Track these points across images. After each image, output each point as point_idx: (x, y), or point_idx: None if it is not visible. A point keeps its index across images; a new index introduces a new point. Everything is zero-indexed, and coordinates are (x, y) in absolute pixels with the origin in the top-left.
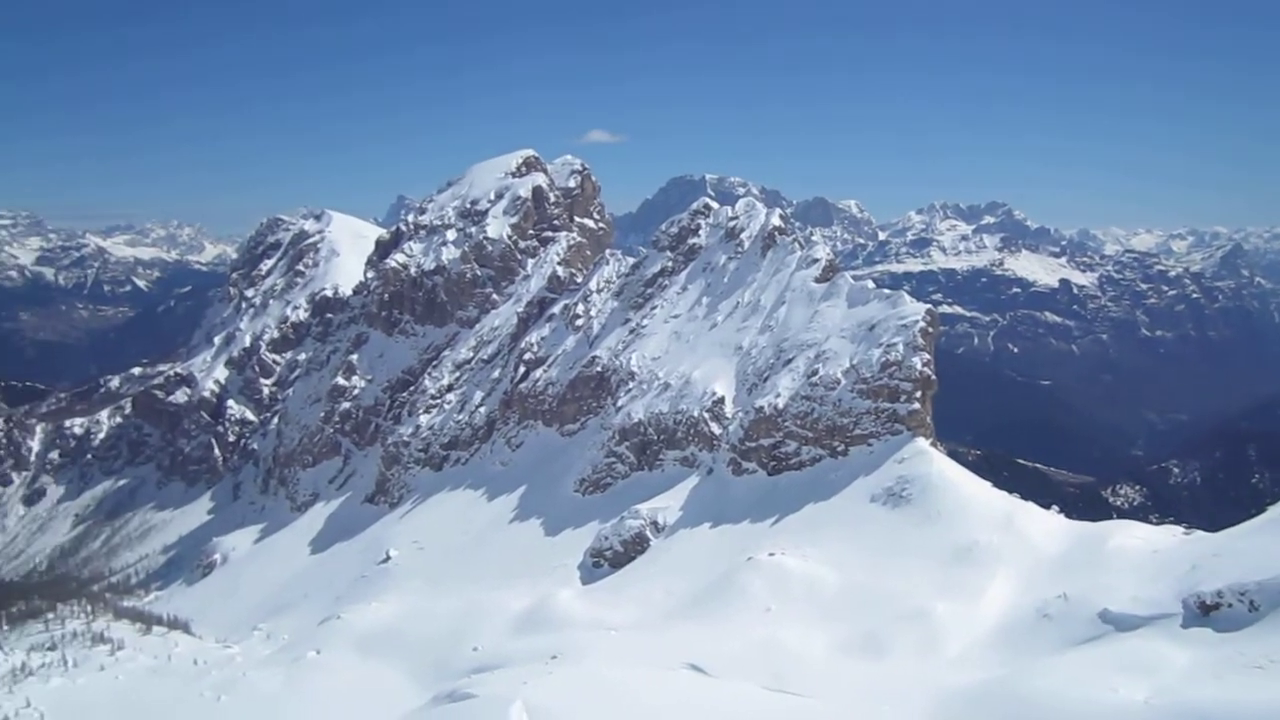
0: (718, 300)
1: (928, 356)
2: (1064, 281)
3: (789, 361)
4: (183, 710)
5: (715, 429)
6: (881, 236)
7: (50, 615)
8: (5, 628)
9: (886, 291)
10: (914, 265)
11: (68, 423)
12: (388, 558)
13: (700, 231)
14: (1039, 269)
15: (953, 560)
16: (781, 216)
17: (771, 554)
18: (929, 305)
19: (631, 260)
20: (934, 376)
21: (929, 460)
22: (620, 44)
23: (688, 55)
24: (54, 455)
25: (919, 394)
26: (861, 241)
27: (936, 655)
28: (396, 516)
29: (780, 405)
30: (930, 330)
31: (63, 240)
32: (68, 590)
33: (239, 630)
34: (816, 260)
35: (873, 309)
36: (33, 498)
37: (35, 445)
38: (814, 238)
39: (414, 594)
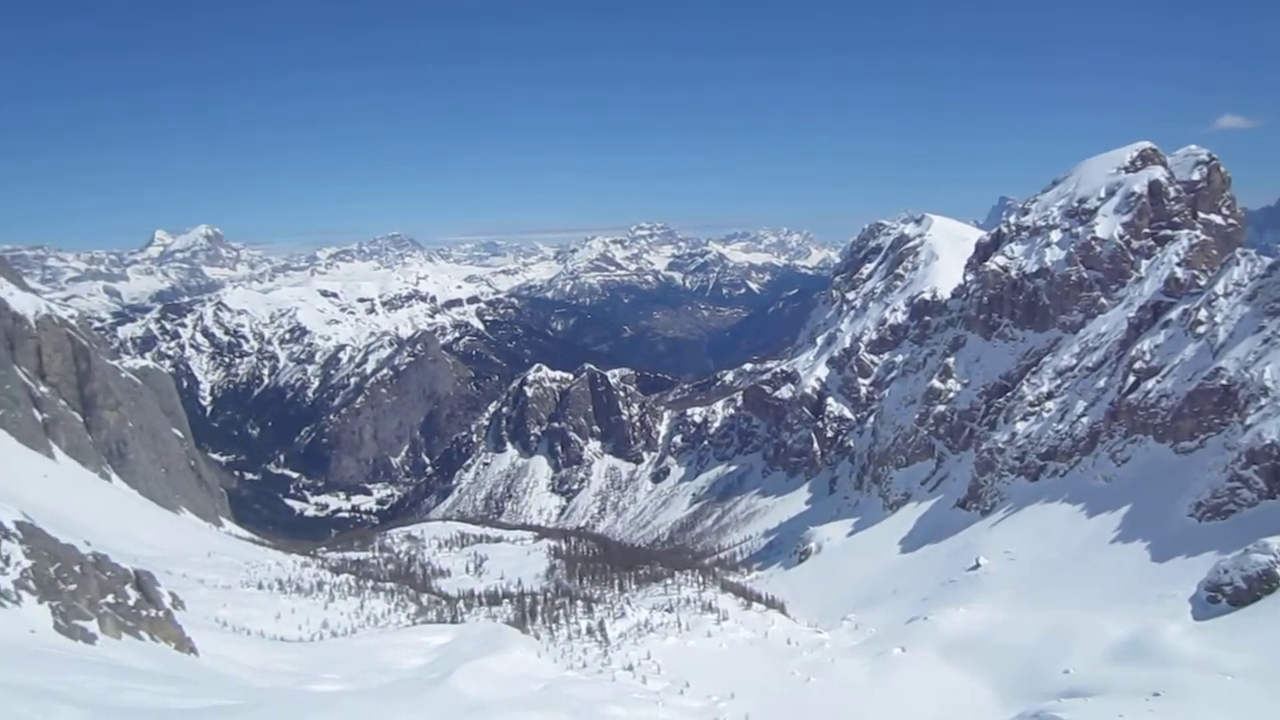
0: None
1: None
2: None
3: None
4: (775, 684)
5: None
6: None
7: (669, 581)
8: (633, 587)
9: None
10: None
11: (689, 411)
12: (977, 565)
13: None
14: None
15: None
16: None
17: None
18: None
19: (1269, 260)
20: None
21: None
22: (1256, 14)
23: None
24: (677, 439)
25: None
26: None
27: None
28: (988, 524)
29: None
30: None
31: (689, 248)
32: (683, 561)
33: (828, 617)
34: None
35: None
36: (659, 475)
37: (662, 429)
38: None
39: (1002, 605)
